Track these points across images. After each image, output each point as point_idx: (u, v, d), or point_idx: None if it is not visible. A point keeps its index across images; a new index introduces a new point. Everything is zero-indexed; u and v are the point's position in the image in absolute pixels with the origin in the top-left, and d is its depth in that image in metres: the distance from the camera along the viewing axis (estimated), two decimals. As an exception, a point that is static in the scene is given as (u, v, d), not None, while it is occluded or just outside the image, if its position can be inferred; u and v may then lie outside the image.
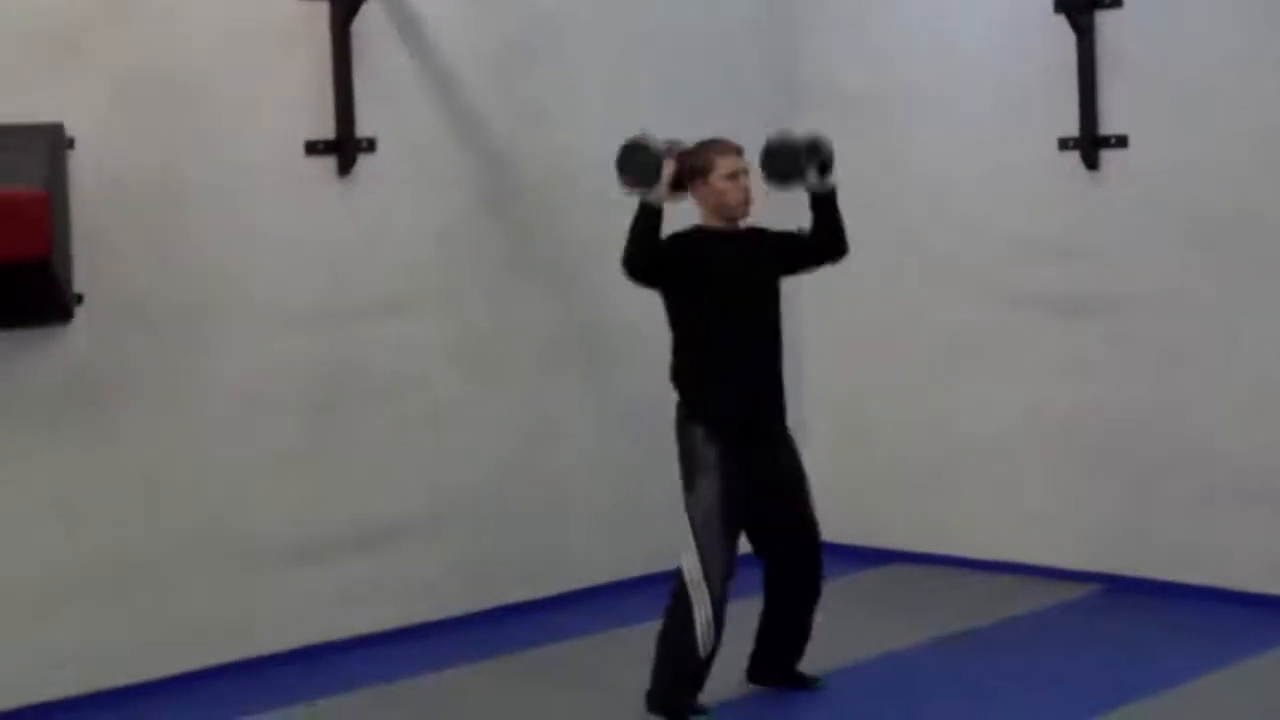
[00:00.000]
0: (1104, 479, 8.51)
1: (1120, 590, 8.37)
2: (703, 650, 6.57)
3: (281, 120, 7.59)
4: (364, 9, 7.67)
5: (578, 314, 8.68)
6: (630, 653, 6.92)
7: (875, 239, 8.72)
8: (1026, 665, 7.33)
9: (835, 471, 9.06)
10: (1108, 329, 8.45)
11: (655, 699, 6.69)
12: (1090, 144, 8.37)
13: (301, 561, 7.69)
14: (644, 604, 6.77)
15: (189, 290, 7.35)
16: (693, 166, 6.71)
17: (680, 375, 6.80)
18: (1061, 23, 8.36)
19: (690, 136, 6.85)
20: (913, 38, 9.13)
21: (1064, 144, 8.46)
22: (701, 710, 6.65)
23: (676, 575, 6.63)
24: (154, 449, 7.29)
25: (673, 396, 6.79)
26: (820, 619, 7.06)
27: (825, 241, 6.96)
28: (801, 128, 7.22)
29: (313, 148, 7.66)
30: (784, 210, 7.06)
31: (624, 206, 6.63)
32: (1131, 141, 8.29)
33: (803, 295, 8.70)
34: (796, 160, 6.83)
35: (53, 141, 6.81)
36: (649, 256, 6.58)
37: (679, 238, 6.74)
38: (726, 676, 6.90)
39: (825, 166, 6.89)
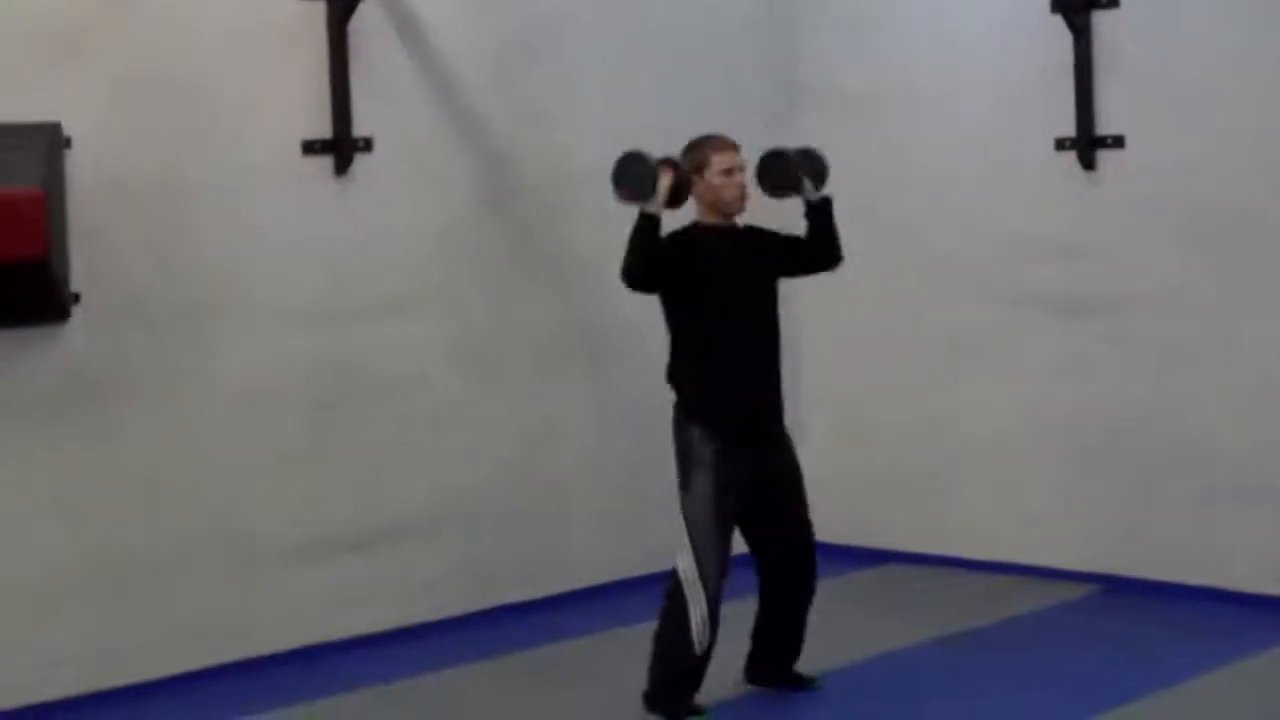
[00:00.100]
0: (1103, 479, 8.51)
1: (1119, 590, 8.37)
2: (698, 648, 6.58)
3: (279, 120, 7.60)
4: (361, 9, 7.68)
5: (578, 314, 8.69)
6: (630, 652, 6.92)
7: (873, 239, 8.76)
8: (1025, 665, 7.34)
9: (834, 471, 9.06)
10: (1106, 329, 8.45)
11: (653, 699, 6.69)
12: (1087, 144, 8.37)
13: (301, 561, 7.69)
14: (644, 603, 6.77)
15: (187, 289, 7.36)
16: (689, 162, 6.73)
17: (677, 375, 6.81)
18: (1058, 23, 8.36)
19: (690, 136, 6.88)
20: (911, 38, 9.14)
21: (1061, 144, 8.46)
22: (699, 710, 6.66)
23: (671, 574, 6.64)
24: (153, 449, 7.30)
25: (672, 396, 6.79)
26: (818, 619, 7.07)
27: (820, 250, 6.99)
28: (801, 128, 7.28)
29: (310, 147, 7.67)
30: (779, 219, 7.09)
31: (625, 206, 6.64)
32: (1128, 141, 8.30)
33: (801, 295, 8.68)
34: (791, 171, 6.87)
35: (50, 141, 6.82)
36: (648, 266, 6.59)
37: (677, 237, 6.75)
38: (724, 677, 6.91)
39: (819, 176, 6.93)
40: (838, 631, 7.68)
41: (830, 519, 8.71)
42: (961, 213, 8.94)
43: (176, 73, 7.33)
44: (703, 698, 6.70)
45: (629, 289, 6.67)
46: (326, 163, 7.73)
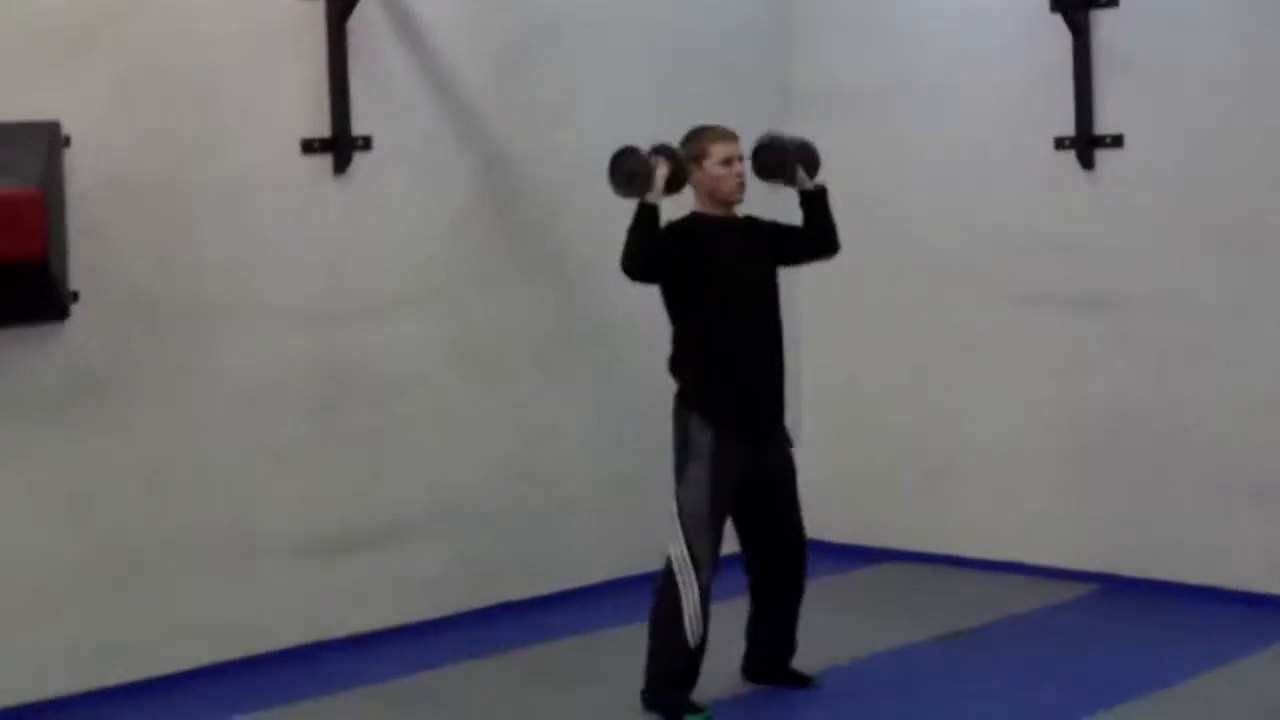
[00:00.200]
0: (1102, 478, 8.50)
1: (1119, 589, 8.37)
2: (692, 640, 6.59)
3: (278, 119, 7.61)
4: (360, 7, 7.67)
5: (578, 314, 8.69)
6: (629, 651, 6.91)
7: (873, 238, 8.76)
8: (1025, 664, 7.34)
9: (834, 470, 9.09)
10: (1106, 328, 8.45)
11: (650, 698, 6.71)
12: (1086, 143, 8.38)
13: (302, 559, 7.70)
14: (643, 602, 6.76)
15: (187, 288, 7.36)
16: (688, 153, 6.74)
17: (679, 365, 6.83)
18: (1057, 22, 8.37)
19: (689, 136, 6.91)
20: (910, 37, 9.14)
21: (1060, 143, 8.47)
22: (697, 708, 6.66)
23: (664, 566, 6.64)
24: (153, 448, 7.30)
25: (671, 391, 6.81)
26: (818, 617, 7.08)
27: (816, 238, 7.00)
28: (800, 127, 7.30)
29: (309, 146, 7.67)
30: (775, 209, 7.10)
31: (624, 205, 6.66)
32: (1127, 141, 8.30)
33: (801, 294, 8.73)
34: (784, 156, 6.88)
35: (49, 140, 6.81)
36: (647, 257, 6.61)
37: (676, 228, 6.76)
38: (722, 675, 6.93)
39: (810, 165, 6.95)
40: (837, 630, 7.69)
41: (830, 518, 8.77)
42: (961, 212, 8.94)
43: (176, 72, 7.33)
44: (701, 696, 6.70)
45: (629, 279, 6.68)
46: (326, 162, 7.73)
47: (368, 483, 7.94)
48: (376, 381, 7.96)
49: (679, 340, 6.83)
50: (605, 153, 6.73)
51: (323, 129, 7.70)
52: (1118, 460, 8.46)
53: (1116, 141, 8.32)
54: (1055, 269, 8.60)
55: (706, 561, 6.63)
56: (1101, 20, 8.32)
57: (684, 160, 6.72)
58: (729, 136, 6.84)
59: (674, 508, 6.68)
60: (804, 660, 7.06)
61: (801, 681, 7.03)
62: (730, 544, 6.80)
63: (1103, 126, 8.36)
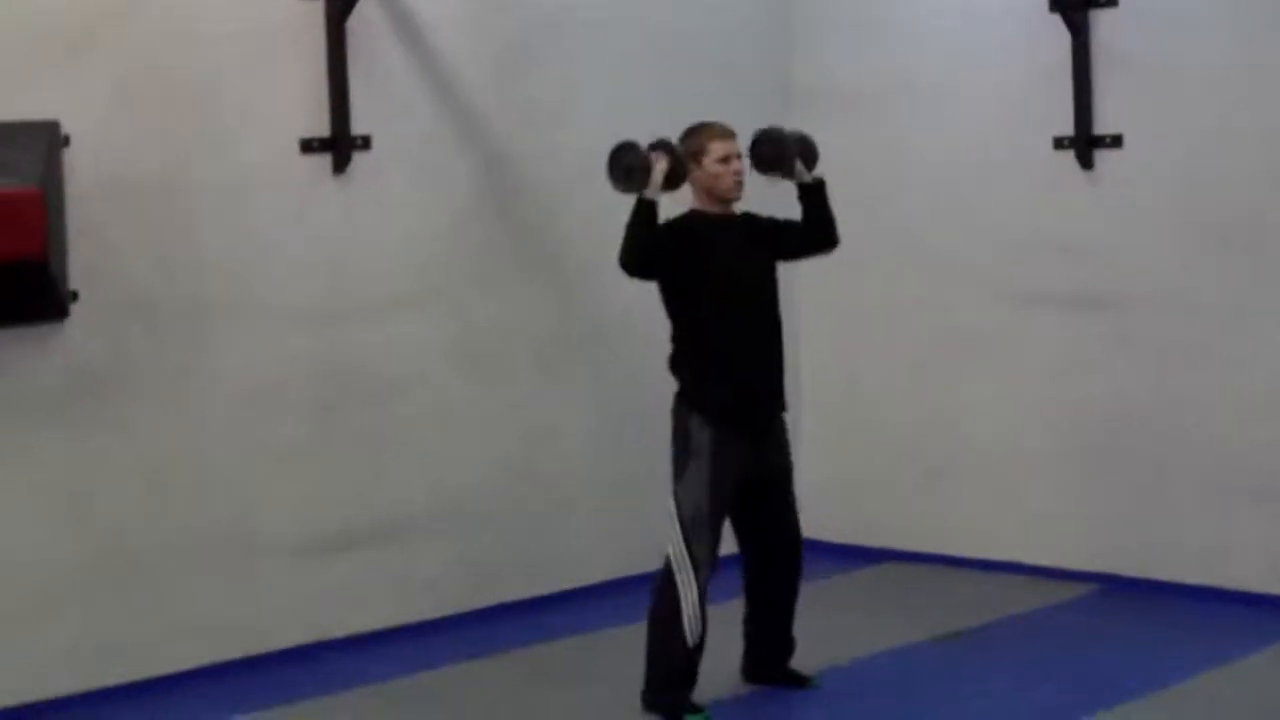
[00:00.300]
0: (1102, 478, 8.50)
1: (1119, 590, 8.36)
2: (691, 640, 6.59)
3: (277, 118, 7.60)
4: (359, 7, 7.67)
5: (578, 314, 8.69)
6: (629, 651, 6.90)
7: (872, 237, 8.76)
8: (1024, 664, 7.34)
9: (833, 470, 9.11)
10: (1105, 328, 8.45)
11: (650, 698, 6.71)
12: (1085, 143, 8.37)
13: (302, 559, 7.69)
14: (643, 602, 6.76)
15: (186, 288, 7.36)
16: (686, 149, 6.74)
17: (679, 364, 6.82)
18: (1057, 22, 8.36)
19: (689, 136, 6.91)
20: (910, 37, 9.13)
21: (1059, 143, 8.46)
22: (696, 709, 6.66)
23: (663, 565, 6.65)
24: (153, 448, 7.30)
25: (671, 390, 6.81)
26: (818, 617, 7.09)
27: (815, 232, 7.00)
28: (800, 127, 7.26)
29: (308, 146, 7.67)
30: (774, 203, 7.10)
31: (624, 205, 6.66)
32: (1126, 141, 8.30)
33: (801, 293, 8.72)
34: (782, 148, 6.88)
35: (49, 139, 6.82)
36: (645, 253, 6.61)
37: (675, 226, 6.76)
38: (722, 675, 6.93)
39: (809, 157, 6.95)
40: (836, 630, 7.69)
41: (829, 517, 8.78)
42: (960, 212, 8.94)
43: (176, 71, 7.33)
44: (700, 696, 6.70)
45: (627, 276, 6.69)
46: (325, 161, 7.73)
47: (368, 483, 7.94)
48: (376, 381, 7.95)
49: (678, 338, 6.84)
50: (605, 152, 6.73)
51: (322, 129, 7.70)
52: (1118, 460, 8.46)
53: (1116, 141, 8.31)
54: (1055, 269, 8.60)
55: (705, 561, 6.63)
56: (1101, 20, 8.32)
57: (683, 157, 6.72)
58: (727, 134, 6.84)
59: (672, 507, 6.68)
60: (803, 660, 7.06)
61: (801, 682, 7.02)
62: (726, 545, 6.79)
63: (1102, 126, 8.36)
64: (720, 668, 6.92)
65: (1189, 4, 8.13)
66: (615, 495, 8.72)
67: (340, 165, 7.74)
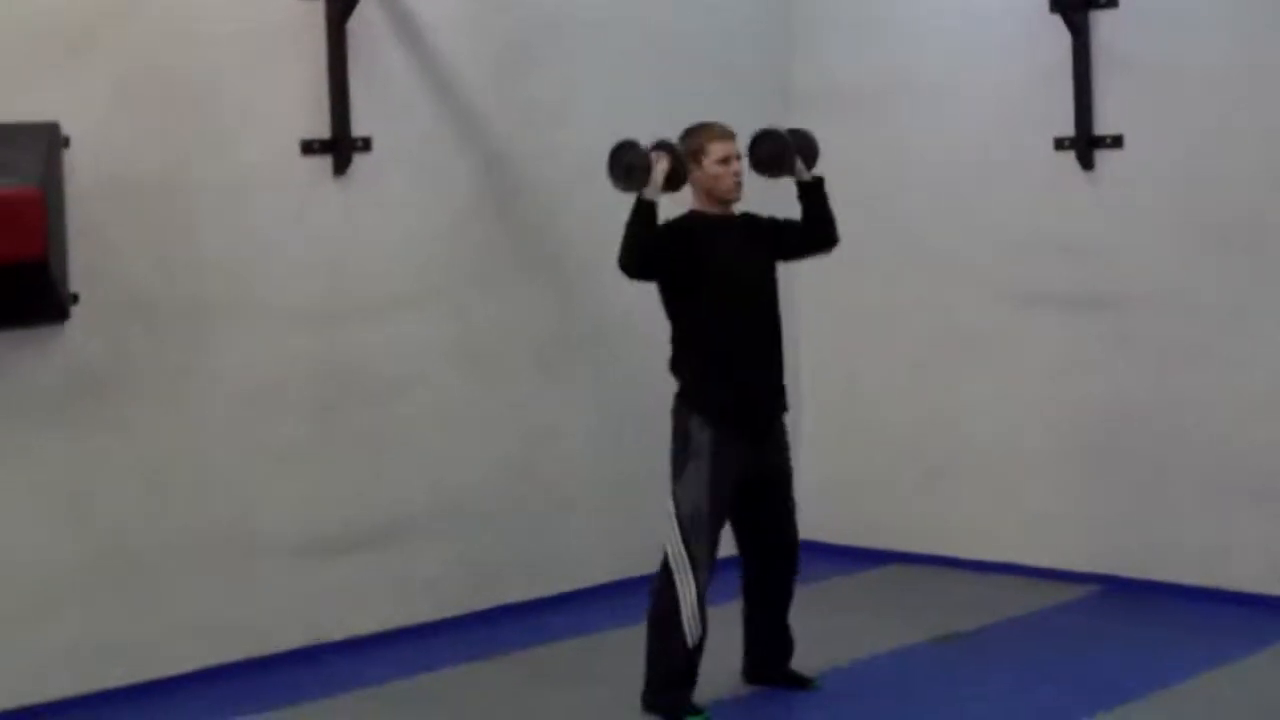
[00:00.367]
0: (1102, 478, 8.50)
1: (1119, 590, 8.36)
2: (690, 640, 6.59)
3: (278, 120, 7.60)
4: (359, 8, 7.67)
5: (578, 314, 8.69)
6: (629, 652, 6.91)
7: (872, 238, 8.77)
8: (1025, 666, 7.34)
9: (834, 471, 9.11)
10: (1106, 328, 8.45)
11: (650, 699, 6.71)
12: (1086, 144, 8.37)
13: (302, 560, 7.69)
14: (643, 604, 6.76)
15: (187, 289, 7.36)
16: (686, 150, 6.74)
17: (679, 365, 6.82)
18: (1057, 22, 8.36)
19: (689, 136, 6.90)
20: (910, 37, 9.13)
21: (1060, 144, 8.46)
22: (697, 710, 6.66)
23: (661, 566, 6.65)
24: (153, 449, 7.30)
25: (672, 391, 6.81)
26: (818, 619, 7.09)
27: (815, 231, 7.00)
28: (799, 126, 7.25)
29: (309, 147, 7.66)
30: (773, 203, 7.10)
31: (624, 205, 6.66)
32: (1127, 141, 8.30)
33: (801, 293, 8.73)
34: (782, 147, 6.88)
35: (49, 141, 6.81)
36: (645, 253, 6.60)
37: (674, 225, 6.76)
38: (722, 676, 6.93)
39: (810, 156, 6.95)
40: (837, 631, 7.69)
41: (830, 519, 8.78)
42: (961, 212, 8.94)
43: (176, 72, 7.33)
44: (700, 697, 6.70)
45: (626, 277, 6.68)
46: (325, 163, 7.73)
47: (368, 483, 7.94)
48: (377, 381, 7.95)
49: (678, 339, 6.83)
50: (605, 152, 6.73)
51: (322, 130, 7.70)
52: (1118, 460, 8.46)
53: (1116, 142, 8.31)
54: (1055, 269, 8.60)
55: (704, 562, 6.63)
56: (1101, 21, 8.32)
57: (684, 158, 6.71)
58: (727, 135, 6.83)
59: (671, 507, 6.68)
60: (804, 662, 7.06)
61: (801, 683, 7.02)
62: (725, 546, 6.79)
63: (1102, 127, 8.35)
64: (720, 669, 6.92)
65: (1189, 5, 8.13)
66: (615, 495, 8.72)
67: (340, 167, 7.74)
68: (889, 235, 9.10)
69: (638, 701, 6.73)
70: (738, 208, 6.91)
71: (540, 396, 8.54)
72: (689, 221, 6.81)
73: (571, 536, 8.62)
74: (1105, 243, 8.41)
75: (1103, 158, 8.38)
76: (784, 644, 7.03)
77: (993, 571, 8.77)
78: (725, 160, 6.78)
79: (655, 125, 6.91)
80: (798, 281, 8.39)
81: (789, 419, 7.00)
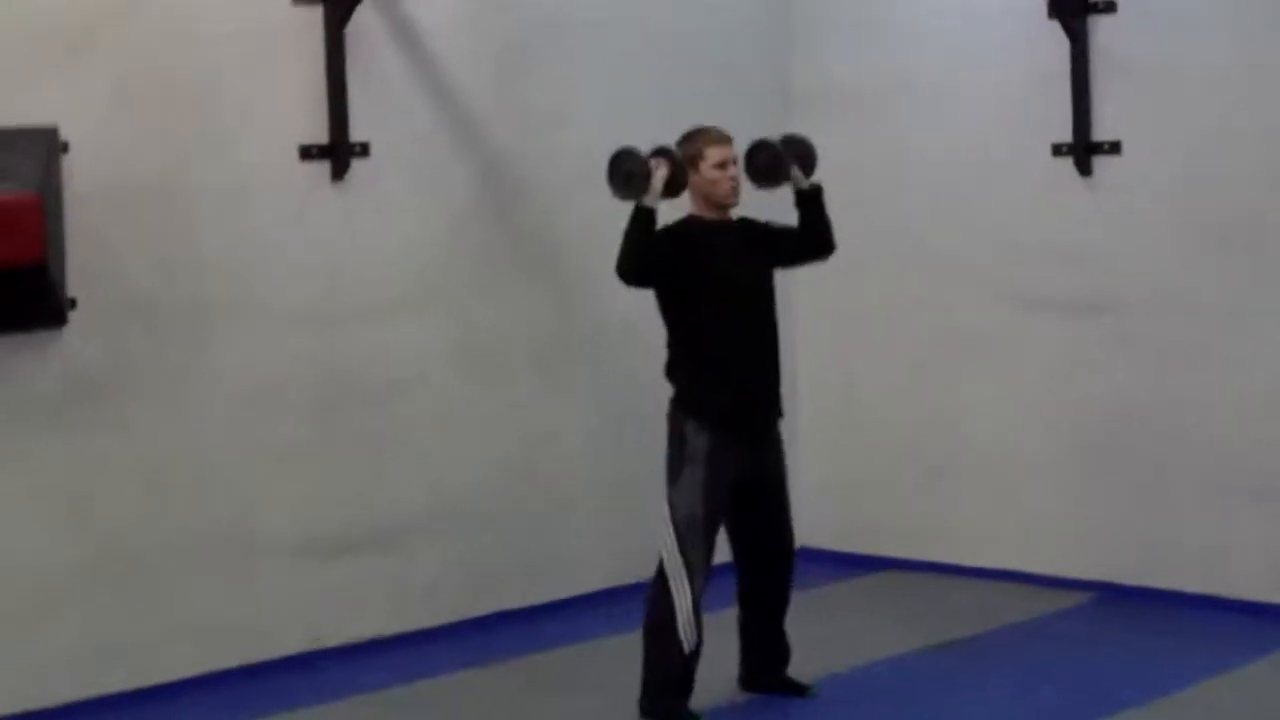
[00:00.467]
0: (1102, 482, 8.49)
1: (1117, 597, 8.35)
2: (687, 646, 6.59)
3: (276, 124, 7.59)
4: (358, 13, 7.66)
5: (578, 315, 8.68)
6: (627, 659, 6.90)
7: (871, 239, 8.76)
8: (1022, 672, 7.35)
9: (832, 473, 9.11)
10: (1104, 333, 8.44)
11: (646, 705, 6.71)
12: (1084, 150, 8.35)
13: (302, 560, 7.69)
14: (640, 611, 6.76)
15: (185, 293, 7.36)
16: (683, 154, 6.72)
17: (675, 370, 6.82)
18: (1055, 28, 8.34)
19: (688, 137, 6.89)
20: (909, 40, 9.11)
21: (1058, 149, 8.44)
22: (693, 717, 6.66)
23: (656, 572, 6.65)
24: (152, 452, 7.30)
25: (670, 394, 6.80)
26: (816, 625, 7.08)
27: (813, 239, 7.00)
28: (800, 128, 7.27)
29: (307, 152, 7.65)
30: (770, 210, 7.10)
31: (623, 208, 6.67)
32: (1125, 148, 8.28)
33: (798, 295, 8.73)
34: (778, 158, 6.87)
35: (47, 145, 6.81)
36: (643, 260, 6.60)
37: (671, 231, 6.75)
38: (719, 683, 6.93)
39: (807, 163, 6.94)
40: (835, 638, 7.69)
41: (828, 520, 8.79)
42: (959, 216, 8.92)
43: (175, 76, 7.32)
44: (697, 704, 6.71)
45: (624, 284, 6.68)
46: (324, 168, 7.71)
47: (368, 484, 7.94)
48: (376, 383, 7.95)
49: (674, 345, 6.83)
50: (605, 154, 6.74)
51: (321, 135, 7.69)
52: (1117, 461, 8.45)
53: (1114, 148, 8.29)
54: (1054, 271, 8.58)
55: (699, 567, 6.63)
56: (1099, 26, 8.29)
57: (683, 164, 6.70)
58: (724, 140, 6.82)
59: (666, 512, 6.68)
60: (801, 668, 7.05)
61: (799, 690, 7.02)
62: (720, 552, 6.78)
63: (1100, 133, 8.33)
64: (717, 675, 6.92)
65: (1187, 10, 8.11)
66: (615, 497, 8.71)
67: (339, 172, 7.73)
68: (889, 236, 9.08)
69: (634, 709, 6.73)
70: (735, 213, 6.90)
71: (539, 398, 8.53)
72: (686, 226, 6.81)
73: (571, 538, 8.62)
74: (1104, 246, 8.40)
75: (1101, 164, 8.35)
76: (781, 650, 7.03)
77: (991, 578, 8.75)
78: (722, 165, 6.77)
79: (655, 126, 6.91)
80: (796, 282, 8.39)
81: (786, 420, 6.99)
